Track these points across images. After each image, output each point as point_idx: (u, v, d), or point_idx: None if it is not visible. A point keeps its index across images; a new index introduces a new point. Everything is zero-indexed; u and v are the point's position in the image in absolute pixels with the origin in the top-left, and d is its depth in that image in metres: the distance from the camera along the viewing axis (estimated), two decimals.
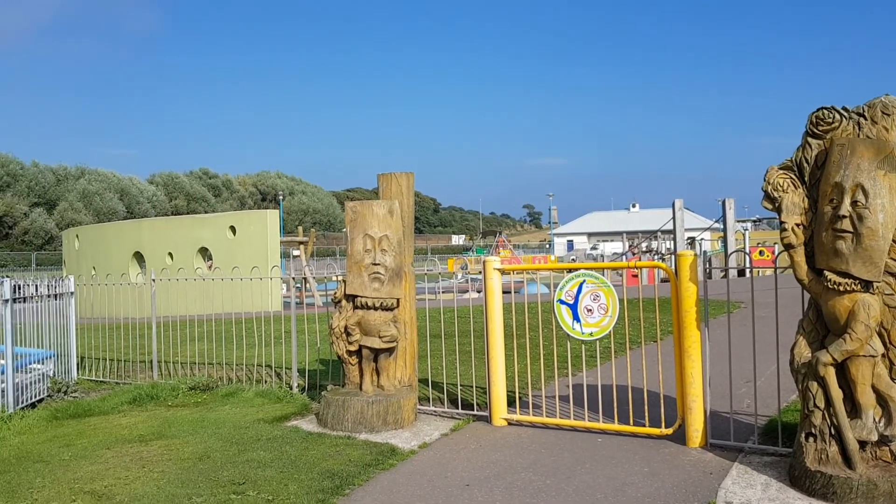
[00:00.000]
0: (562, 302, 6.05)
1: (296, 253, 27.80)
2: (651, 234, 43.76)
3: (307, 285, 24.63)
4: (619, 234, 63.47)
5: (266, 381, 8.35)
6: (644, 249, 40.78)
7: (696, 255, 5.47)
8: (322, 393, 6.80)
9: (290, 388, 7.91)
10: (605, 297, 5.87)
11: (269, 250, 19.88)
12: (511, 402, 6.69)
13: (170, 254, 21.43)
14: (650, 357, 8.48)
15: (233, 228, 20.71)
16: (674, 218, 26.83)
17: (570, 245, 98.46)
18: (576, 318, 5.98)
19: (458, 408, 6.90)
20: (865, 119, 4.53)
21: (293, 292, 8.72)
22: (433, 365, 8.12)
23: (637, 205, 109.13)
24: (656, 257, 33.54)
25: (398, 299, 6.59)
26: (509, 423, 6.31)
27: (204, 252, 21.46)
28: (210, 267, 21.26)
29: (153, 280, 9.44)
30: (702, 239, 38.41)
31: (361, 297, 6.47)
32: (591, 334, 5.91)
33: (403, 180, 7.01)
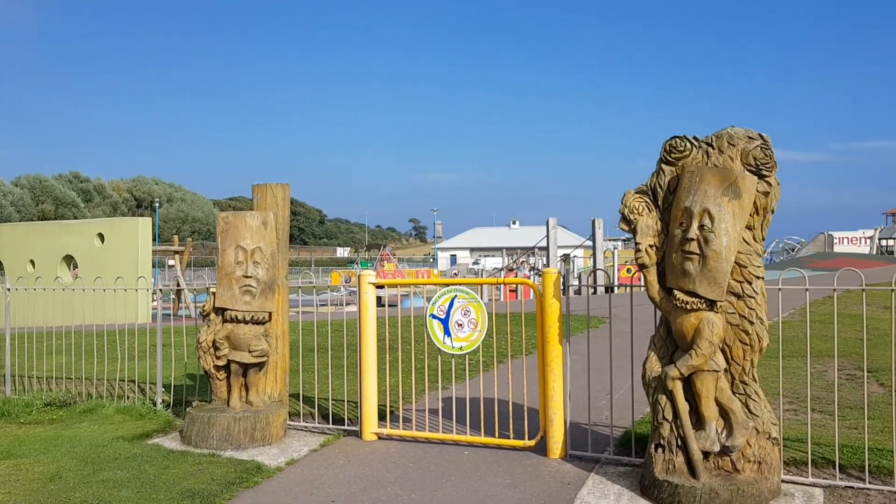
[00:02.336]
0: (434, 316, 6.14)
1: (171, 263, 26.75)
2: (529, 251, 45.01)
3: (181, 296, 23.68)
4: (500, 249, 64.84)
5: (129, 397, 7.98)
6: (528, 265, 41.88)
7: (559, 272, 5.69)
8: (187, 409, 6.58)
9: (154, 405, 7.60)
10: (475, 312, 6.01)
11: (139, 259, 19.02)
12: (383, 417, 6.70)
13: (31, 261, 20.14)
14: (518, 371, 8.71)
15: (101, 236, 19.69)
16: (547, 236, 27.62)
17: (454, 259, 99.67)
18: (447, 332, 6.08)
19: (329, 423, 6.85)
20: (713, 148, 4.86)
21: (160, 303, 8.39)
22: (307, 379, 8.02)
23: (517, 221, 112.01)
24: (534, 273, 34.50)
25: (270, 313, 6.48)
26: (380, 438, 6.32)
27: (69, 260, 20.30)
28: (75, 276, 20.11)
29: (7, 289, 8.86)
30: (574, 256, 39.90)
31: (231, 310, 6.32)
32: (460, 348, 6.03)
33: (279, 191, 6.92)
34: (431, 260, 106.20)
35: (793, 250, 71.04)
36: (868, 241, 75.13)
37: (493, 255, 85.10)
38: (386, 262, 60.98)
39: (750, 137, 4.79)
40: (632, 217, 4.97)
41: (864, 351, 5.14)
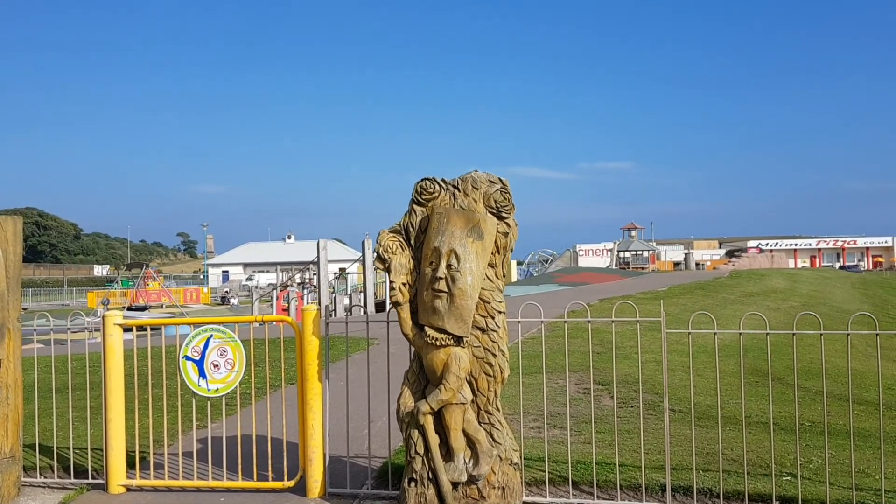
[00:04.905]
0: (188, 358, 5.88)
1: None
2: (304, 266, 44.56)
3: None
4: (275, 265, 63.49)
5: None
6: (298, 282, 41.34)
7: (318, 309, 5.72)
8: None
9: None
10: (233, 352, 5.84)
11: None
12: (133, 464, 6.28)
13: None
14: (281, 404, 8.59)
15: None
16: (318, 258, 27.40)
17: (226, 276, 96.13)
18: (202, 374, 5.85)
19: (71, 476, 6.29)
20: (459, 191, 5.15)
21: None
22: (47, 426, 7.31)
23: (293, 235, 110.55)
24: (307, 289, 34.23)
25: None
26: (128, 490, 5.92)
27: None
28: None
29: None
30: (348, 273, 40.18)
31: None
32: (216, 391, 5.83)
33: (9, 226, 6.26)
34: (202, 277, 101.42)
35: (546, 261, 77.06)
36: (608, 252, 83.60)
37: (267, 271, 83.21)
38: (150, 280, 57.31)
39: (491, 181, 5.14)
40: (386, 256, 5.14)
41: (591, 365, 5.72)
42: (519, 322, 5.51)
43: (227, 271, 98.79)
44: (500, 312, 5.03)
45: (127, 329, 6.30)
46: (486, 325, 4.98)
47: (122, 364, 6.06)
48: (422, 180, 5.21)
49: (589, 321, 5.52)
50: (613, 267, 74.08)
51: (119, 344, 6.08)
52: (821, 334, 5.07)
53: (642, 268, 74.59)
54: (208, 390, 5.82)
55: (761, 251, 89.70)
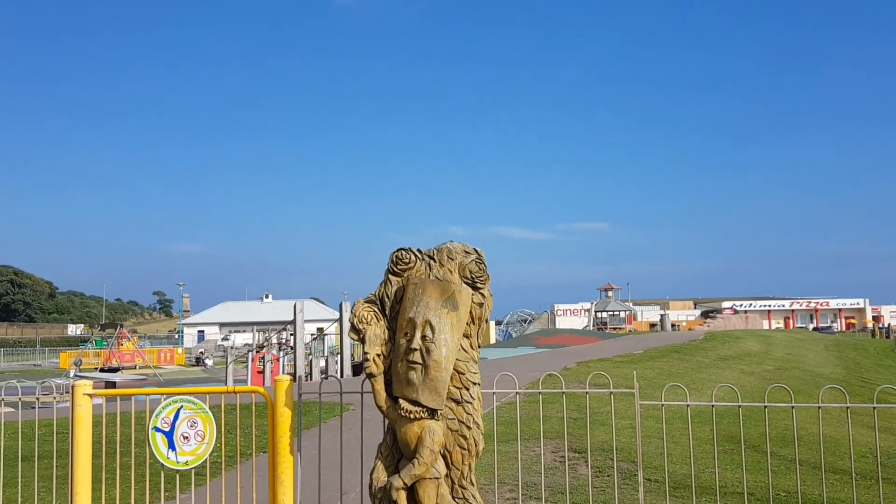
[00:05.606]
0: (157, 429, 5.78)
1: None
2: (281, 327, 44.18)
3: None
4: (252, 324, 62.88)
5: None
6: (274, 342, 40.89)
7: (292, 380, 5.68)
8: None
9: None
10: (203, 423, 5.76)
11: None
12: None
13: None
14: (250, 477, 8.44)
15: None
16: (294, 321, 27.17)
17: (202, 336, 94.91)
18: (171, 446, 5.74)
19: None
20: (435, 261, 5.20)
21: None
22: (10, 496, 7.10)
23: (270, 295, 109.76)
24: (284, 350, 33.86)
25: None
26: None
27: None
28: None
29: None
30: (326, 333, 39.85)
31: None
32: (185, 463, 5.72)
33: None
34: (177, 337, 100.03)
35: (525, 321, 77.16)
36: (586, 312, 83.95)
37: (244, 331, 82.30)
38: (124, 340, 56.43)
39: (466, 252, 5.20)
40: (360, 326, 5.13)
41: (566, 433, 5.70)
42: (494, 393, 5.50)
43: (202, 331, 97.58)
44: (474, 384, 5.03)
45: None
46: (461, 397, 4.97)
47: (91, 435, 5.94)
48: (397, 250, 5.25)
49: (563, 392, 5.53)
50: (591, 327, 74.26)
51: (88, 414, 5.96)
52: (792, 407, 5.12)
53: (619, 328, 74.82)
54: (177, 462, 5.71)
55: (736, 312, 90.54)
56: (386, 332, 5.15)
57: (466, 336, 5.09)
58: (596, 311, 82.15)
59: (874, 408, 5.00)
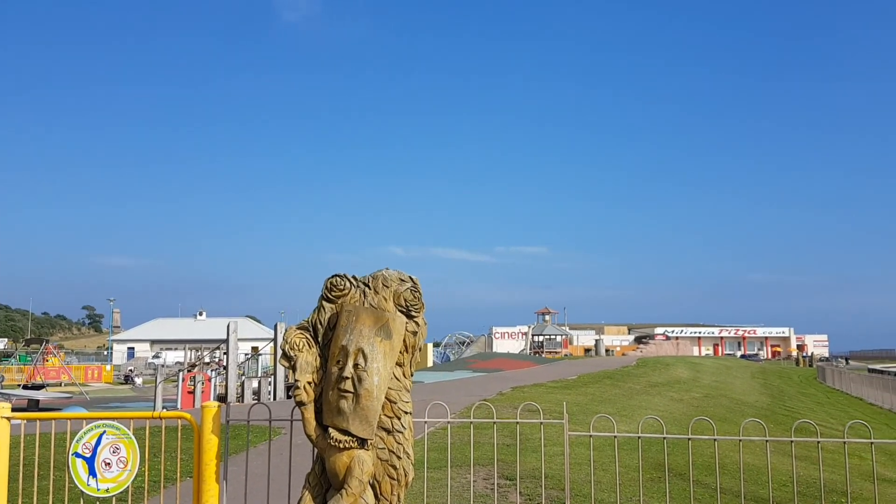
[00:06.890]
0: (78, 455, 5.60)
1: None
2: (215, 346, 43.20)
3: None
4: (184, 342, 61.32)
5: None
6: (207, 361, 39.94)
7: (219, 406, 5.58)
8: None
9: None
10: (126, 449, 5.60)
11: None
12: None
13: None
14: (181, 498, 8.22)
15: None
16: (227, 340, 26.62)
17: (132, 353, 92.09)
18: (92, 472, 5.56)
19: None
20: (370, 289, 5.19)
21: None
22: None
23: (204, 312, 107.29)
24: (216, 371, 33.06)
25: None
26: None
27: None
28: None
29: None
30: (260, 354, 39.20)
31: None
32: (107, 490, 5.55)
33: None
34: (105, 353, 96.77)
35: (463, 343, 77.38)
36: (524, 336, 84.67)
37: (176, 349, 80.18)
38: (50, 356, 54.34)
39: (402, 280, 5.21)
40: (292, 353, 5.08)
41: (496, 459, 5.73)
42: (426, 422, 5.51)
43: (132, 348, 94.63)
44: (406, 413, 5.02)
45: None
46: (392, 426, 4.95)
47: (8, 459, 5.72)
48: (332, 276, 5.23)
49: (494, 422, 5.58)
50: (527, 351, 74.82)
51: (5, 437, 5.74)
52: (714, 440, 5.27)
53: (555, 352, 75.63)
54: (98, 490, 5.54)
55: (667, 338, 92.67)
56: (318, 359, 5.11)
57: (399, 364, 5.08)
58: (533, 335, 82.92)
59: (791, 441, 5.20)
